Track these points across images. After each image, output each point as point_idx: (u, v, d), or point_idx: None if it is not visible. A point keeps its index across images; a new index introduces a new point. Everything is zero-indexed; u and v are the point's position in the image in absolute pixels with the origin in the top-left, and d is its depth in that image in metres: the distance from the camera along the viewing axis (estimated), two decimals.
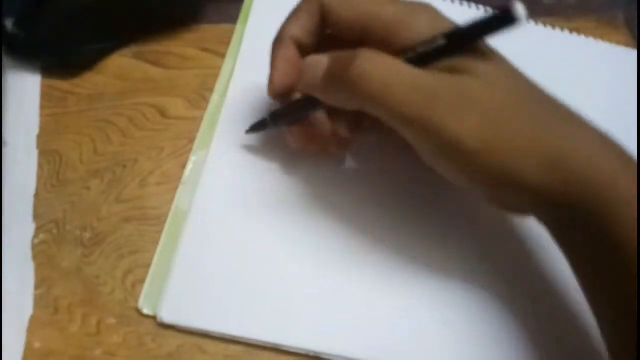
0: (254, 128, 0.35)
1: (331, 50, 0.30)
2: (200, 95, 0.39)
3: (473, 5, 0.43)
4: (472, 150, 0.26)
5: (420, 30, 0.28)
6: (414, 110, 0.26)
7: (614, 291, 0.27)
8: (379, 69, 0.27)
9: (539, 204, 0.28)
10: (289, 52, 0.31)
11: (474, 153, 0.26)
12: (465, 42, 0.27)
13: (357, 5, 0.30)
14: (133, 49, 0.40)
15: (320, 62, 0.29)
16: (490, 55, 0.28)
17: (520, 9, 0.25)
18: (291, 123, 0.34)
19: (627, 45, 0.43)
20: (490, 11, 0.29)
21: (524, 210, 0.30)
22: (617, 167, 0.27)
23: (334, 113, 0.32)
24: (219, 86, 0.39)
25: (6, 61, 0.38)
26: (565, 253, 0.29)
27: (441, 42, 0.27)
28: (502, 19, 0.26)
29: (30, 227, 0.34)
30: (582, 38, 0.42)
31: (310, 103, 0.31)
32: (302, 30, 0.31)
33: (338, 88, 0.29)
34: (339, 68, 0.28)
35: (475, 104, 0.26)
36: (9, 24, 0.37)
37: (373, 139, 0.36)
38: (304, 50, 0.32)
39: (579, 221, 0.27)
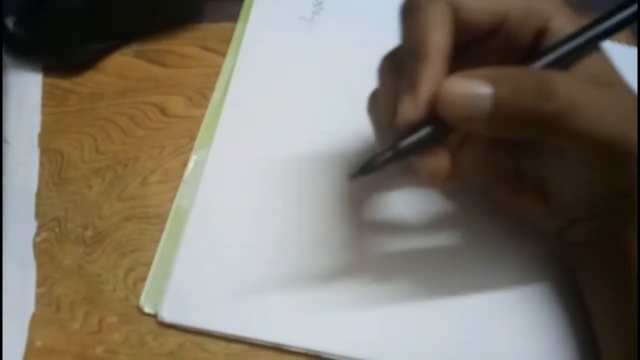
0: (365, 169, 0.26)
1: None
2: (201, 94, 0.39)
3: None
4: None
5: (560, 23, 0.26)
6: (615, 131, 0.25)
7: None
8: (584, 100, 0.24)
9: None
10: (438, 69, 0.25)
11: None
12: (598, 38, 0.26)
13: None
14: (134, 47, 0.40)
15: (479, 88, 0.24)
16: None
17: None
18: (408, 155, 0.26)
19: (627, 43, 0.43)
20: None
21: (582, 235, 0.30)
22: None
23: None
24: (219, 84, 0.39)
25: (7, 60, 0.38)
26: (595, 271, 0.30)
27: (580, 40, 0.26)
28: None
29: (31, 226, 0.34)
30: None
31: (437, 131, 0.25)
32: (446, 37, 0.25)
33: (528, 121, 0.24)
34: (527, 97, 0.24)
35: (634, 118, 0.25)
36: (10, 22, 0.37)
37: None
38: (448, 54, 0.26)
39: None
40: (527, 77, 0.24)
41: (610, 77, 0.27)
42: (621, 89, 0.27)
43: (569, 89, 0.24)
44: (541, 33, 0.27)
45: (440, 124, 0.25)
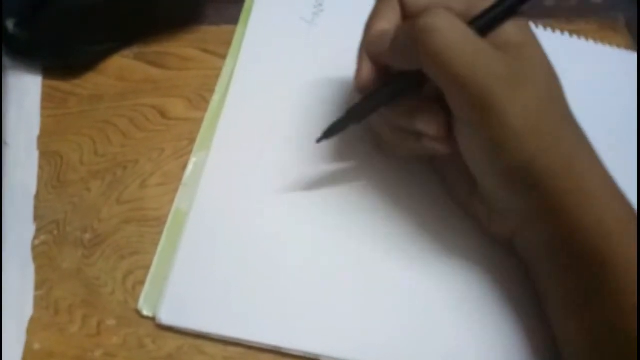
0: (331, 132, 0.33)
1: None
2: (201, 96, 0.39)
3: None
4: (514, 130, 0.27)
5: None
6: (473, 77, 0.27)
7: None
8: (445, 26, 0.27)
9: (544, 210, 0.29)
10: (378, 46, 0.31)
11: (514, 133, 0.27)
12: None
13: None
14: (134, 49, 0.40)
15: (391, 29, 0.30)
16: (533, 36, 0.29)
17: None
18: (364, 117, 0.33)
19: (627, 47, 0.43)
20: None
21: (515, 226, 0.31)
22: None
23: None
24: (219, 87, 0.39)
25: (7, 62, 0.38)
26: (543, 276, 0.31)
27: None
28: None
29: (30, 228, 0.34)
30: (582, 41, 0.42)
31: (386, 94, 0.31)
32: (389, 24, 0.31)
33: (404, 45, 0.29)
34: (407, 26, 0.28)
35: (526, 88, 0.27)
36: (10, 24, 0.37)
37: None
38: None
39: (571, 245, 0.28)
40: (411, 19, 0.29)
41: (514, 41, 0.28)
42: (517, 53, 0.28)
43: (441, 20, 0.27)
44: None
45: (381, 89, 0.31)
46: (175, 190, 0.35)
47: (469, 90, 0.27)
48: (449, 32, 0.27)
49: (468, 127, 0.29)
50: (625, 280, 0.27)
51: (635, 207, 0.29)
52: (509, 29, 0.28)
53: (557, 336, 0.31)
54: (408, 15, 0.30)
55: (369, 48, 0.31)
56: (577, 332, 0.29)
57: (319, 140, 0.33)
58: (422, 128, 0.30)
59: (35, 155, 0.36)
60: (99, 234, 0.34)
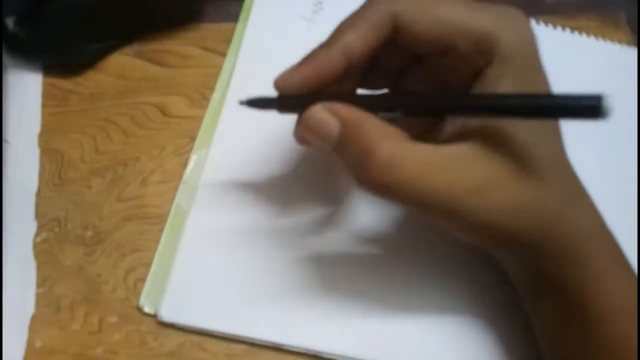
0: (254, 103, 0.31)
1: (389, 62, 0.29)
2: (201, 94, 0.39)
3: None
4: (488, 224, 0.26)
5: (509, 44, 0.26)
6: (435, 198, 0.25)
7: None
8: (401, 171, 0.25)
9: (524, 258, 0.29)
10: (331, 61, 0.27)
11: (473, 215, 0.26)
12: (536, 114, 0.25)
13: (440, 16, 0.26)
14: (134, 47, 0.40)
15: (330, 127, 0.26)
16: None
17: (608, 103, 0.22)
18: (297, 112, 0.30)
19: (628, 44, 0.42)
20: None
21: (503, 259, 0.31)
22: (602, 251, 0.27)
23: None
24: (219, 85, 0.39)
25: (7, 60, 0.38)
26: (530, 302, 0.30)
27: (516, 101, 0.25)
28: (585, 110, 0.23)
29: (32, 226, 0.34)
30: (583, 37, 0.42)
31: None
32: (359, 42, 0.26)
33: (347, 164, 0.27)
34: (354, 155, 0.26)
35: (498, 186, 0.26)
36: (10, 22, 0.37)
37: None
38: (355, 59, 0.27)
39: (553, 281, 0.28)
40: (363, 130, 0.26)
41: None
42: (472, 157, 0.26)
43: (389, 150, 0.25)
44: (490, 54, 0.26)
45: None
46: (176, 187, 0.35)
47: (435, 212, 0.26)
48: (404, 177, 0.25)
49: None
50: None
51: None
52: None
53: (545, 354, 0.30)
54: (403, 39, 0.27)
55: (307, 134, 0.28)
56: (561, 349, 0.29)
57: (240, 103, 0.31)
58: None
59: (36, 153, 0.36)
60: (100, 231, 0.34)
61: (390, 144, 0.25)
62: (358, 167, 0.26)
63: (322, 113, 0.27)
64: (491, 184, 0.25)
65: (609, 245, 0.28)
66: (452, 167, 0.25)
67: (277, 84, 0.28)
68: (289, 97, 0.29)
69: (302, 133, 0.28)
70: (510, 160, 0.26)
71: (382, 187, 0.25)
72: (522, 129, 0.26)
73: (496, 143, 0.26)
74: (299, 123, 0.29)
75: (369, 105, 0.27)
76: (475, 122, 0.26)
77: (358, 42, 0.26)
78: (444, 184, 0.25)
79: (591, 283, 0.27)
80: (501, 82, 0.26)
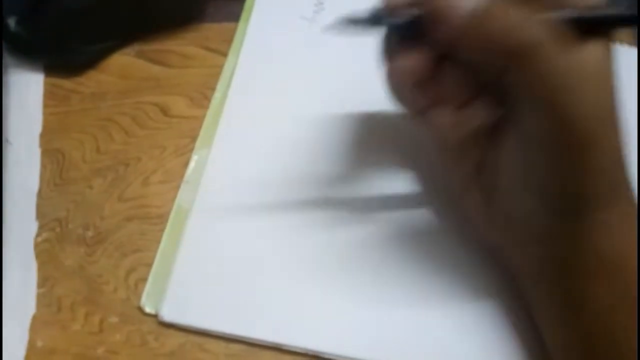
0: (354, 22, 0.28)
1: None
2: (203, 94, 0.39)
3: None
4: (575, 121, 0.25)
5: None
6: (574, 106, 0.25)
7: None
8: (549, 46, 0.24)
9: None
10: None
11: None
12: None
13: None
14: (135, 47, 0.40)
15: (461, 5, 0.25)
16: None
17: None
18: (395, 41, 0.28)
19: (628, 43, 0.42)
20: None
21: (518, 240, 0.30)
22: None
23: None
24: (221, 84, 0.39)
25: (9, 60, 0.38)
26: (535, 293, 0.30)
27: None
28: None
29: (33, 226, 0.34)
30: None
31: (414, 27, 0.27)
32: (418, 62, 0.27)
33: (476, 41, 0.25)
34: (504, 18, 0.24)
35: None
36: (11, 22, 0.37)
37: None
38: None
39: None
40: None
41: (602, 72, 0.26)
42: (604, 83, 0.26)
43: (544, 36, 0.24)
44: None
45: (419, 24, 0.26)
46: (177, 187, 0.35)
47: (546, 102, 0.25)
48: (537, 40, 0.24)
49: (534, 153, 0.27)
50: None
51: None
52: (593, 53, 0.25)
53: (547, 343, 0.30)
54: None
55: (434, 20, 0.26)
56: (568, 340, 0.29)
57: (325, 28, 0.29)
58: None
59: (37, 153, 0.36)
60: (101, 231, 0.34)
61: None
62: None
63: None
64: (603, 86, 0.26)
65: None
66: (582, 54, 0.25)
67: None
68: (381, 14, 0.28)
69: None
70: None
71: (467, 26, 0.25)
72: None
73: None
74: None
75: None
76: None
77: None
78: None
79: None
80: None
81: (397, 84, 0.29)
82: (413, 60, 0.27)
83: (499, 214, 0.30)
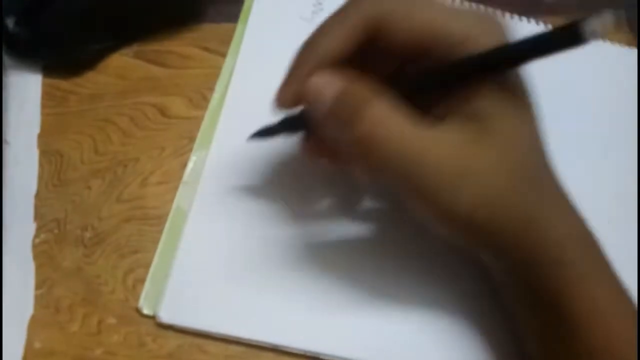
0: (260, 134, 0.33)
1: (367, 62, 0.28)
2: (201, 95, 0.39)
3: (474, 5, 0.43)
4: (462, 216, 0.26)
5: (483, 48, 0.26)
6: (410, 183, 0.26)
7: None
8: (388, 136, 0.25)
9: (502, 258, 0.29)
10: (311, 70, 0.27)
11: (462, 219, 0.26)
12: (506, 64, 0.26)
13: (419, 19, 0.26)
14: (134, 48, 0.40)
15: (326, 92, 0.27)
16: (517, 100, 0.27)
17: (594, 25, 0.22)
18: (299, 131, 0.32)
19: (628, 44, 0.42)
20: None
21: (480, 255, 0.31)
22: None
23: None
24: (219, 85, 0.39)
25: (7, 60, 0.38)
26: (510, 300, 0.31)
27: (474, 62, 0.25)
28: (563, 39, 0.23)
29: (31, 227, 0.34)
30: None
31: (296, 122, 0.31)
32: (337, 47, 0.27)
33: (339, 133, 0.27)
34: (345, 113, 0.26)
35: (475, 177, 0.26)
36: (10, 22, 0.37)
37: None
38: (335, 62, 0.28)
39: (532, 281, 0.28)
40: (357, 98, 0.26)
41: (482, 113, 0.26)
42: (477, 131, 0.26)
43: (384, 130, 0.25)
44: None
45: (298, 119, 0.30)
46: (176, 188, 0.35)
47: (410, 195, 0.27)
48: (393, 145, 0.25)
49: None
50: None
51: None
52: (481, 101, 0.26)
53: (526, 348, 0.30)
54: (381, 41, 0.27)
55: (305, 102, 0.28)
56: (544, 351, 0.29)
57: (248, 140, 0.33)
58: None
59: (35, 153, 0.36)
60: (99, 232, 0.34)
61: (381, 105, 0.26)
62: (348, 124, 0.26)
63: (327, 75, 0.27)
64: (473, 170, 0.26)
65: (589, 249, 0.28)
66: (438, 145, 0.26)
67: (278, 103, 0.29)
68: (291, 118, 0.31)
69: (304, 99, 0.28)
70: (493, 152, 0.26)
71: (366, 146, 0.26)
72: (507, 126, 0.26)
73: (481, 134, 0.26)
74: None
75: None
76: (463, 110, 0.26)
77: (336, 48, 0.27)
78: (428, 157, 0.25)
79: (570, 287, 0.26)
80: (487, 87, 0.26)
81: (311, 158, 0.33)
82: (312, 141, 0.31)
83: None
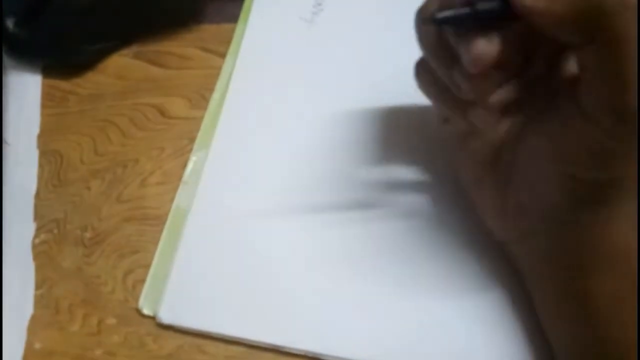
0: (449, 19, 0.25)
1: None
2: (201, 95, 0.39)
3: None
4: None
5: None
6: None
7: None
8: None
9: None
10: None
11: None
12: None
13: None
14: (134, 48, 0.40)
15: None
16: None
17: None
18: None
19: None
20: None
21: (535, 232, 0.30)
22: None
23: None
24: (219, 86, 0.39)
25: (7, 61, 0.38)
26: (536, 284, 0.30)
27: None
28: None
29: (30, 227, 0.34)
30: None
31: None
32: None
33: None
34: None
35: None
36: (10, 23, 0.37)
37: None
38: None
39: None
40: None
41: None
42: None
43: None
44: None
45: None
46: (176, 188, 0.35)
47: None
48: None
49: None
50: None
51: None
52: None
53: (550, 338, 0.30)
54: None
55: None
56: (571, 335, 0.29)
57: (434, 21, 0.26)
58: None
59: (35, 154, 0.36)
60: (99, 232, 0.34)
61: None
62: None
63: None
64: None
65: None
66: None
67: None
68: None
69: None
70: None
71: None
72: None
73: None
74: None
75: None
76: None
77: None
78: None
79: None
80: None
81: (477, 68, 0.26)
82: (498, 45, 0.25)
83: (511, 206, 0.30)
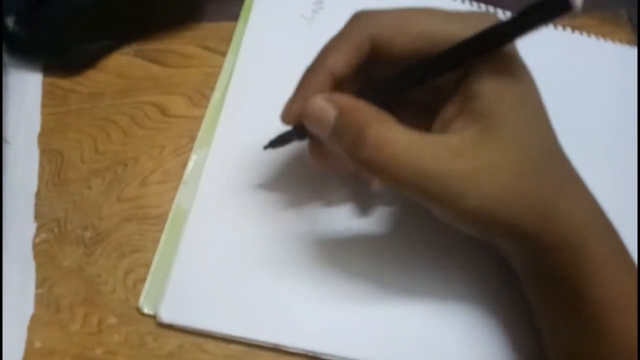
0: (275, 142, 0.33)
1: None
2: (201, 94, 0.39)
3: (483, 6, 0.43)
4: (484, 214, 0.26)
5: None
6: (423, 190, 0.26)
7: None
8: (395, 152, 0.25)
9: (520, 244, 0.29)
10: (318, 84, 0.29)
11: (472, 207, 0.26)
12: (494, 42, 0.26)
13: (413, 31, 0.28)
14: (134, 47, 0.40)
15: (328, 114, 0.27)
16: (515, 85, 0.27)
17: None
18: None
19: (629, 43, 0.42)
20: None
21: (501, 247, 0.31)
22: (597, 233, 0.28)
23: None
24: (220, 84, 0.39)
25: (7, 59, 0.38)
26: (530, 290, 0.31)
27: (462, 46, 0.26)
28: (550, 7, 0.23)
29: (31, 227, 0.34)
30: (584, 36, 0.42)
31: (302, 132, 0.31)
32: (341, 63, 0.28)
33: (345, 154, 0.27)
34: (348, 136, 0.26)
35: (491, 174, 0.26)
36: (10, 22, 0.37)
37: None
38: (340, 77, 0.29)
39: (552, 267, 0.28)
40: (356, 114, 0.27)
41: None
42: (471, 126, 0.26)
43: (379, 131, 0.26)
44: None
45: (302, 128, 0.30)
46: (176, 187, 0.35)
47: (423, 196, 0.26)
48: (396, 158, 0.26)
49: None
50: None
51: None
52: (481, 100, 0.26)
53: (546, 338, 0.30)
54: (382, 56, 0.28)
55: (308, 124, 0.29)
56: (568, 333, 0.29)
57: (265, 148, 0.33)
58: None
59: (35, 153, 0.36)
60: (100, 231, 0.34)
61: (382, 125, 0.26)
62: (352, 148, 0.26)
63: (321, 102, 0.28)
64: (481, 170, 0.26)
65: (608, 234, 0.28)
66: (441, 152, 0.26)
67: (284, 119, 0.30)
68: (300, 128, 0.30)
69: (306, 123, 0.29)
70: (501, 148, 0.26)
71: (374, 166, 0.26)
72: (512, 118, 0.26)
73: (485, 132, 0.26)
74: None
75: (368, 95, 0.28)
76: (464, 112, 0.27)
77: (340, 63, 0.28)
78: (433, 167, 0.25)
79: (591, 272, 0.27)
80: (484, 79, 0.26)
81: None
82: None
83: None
